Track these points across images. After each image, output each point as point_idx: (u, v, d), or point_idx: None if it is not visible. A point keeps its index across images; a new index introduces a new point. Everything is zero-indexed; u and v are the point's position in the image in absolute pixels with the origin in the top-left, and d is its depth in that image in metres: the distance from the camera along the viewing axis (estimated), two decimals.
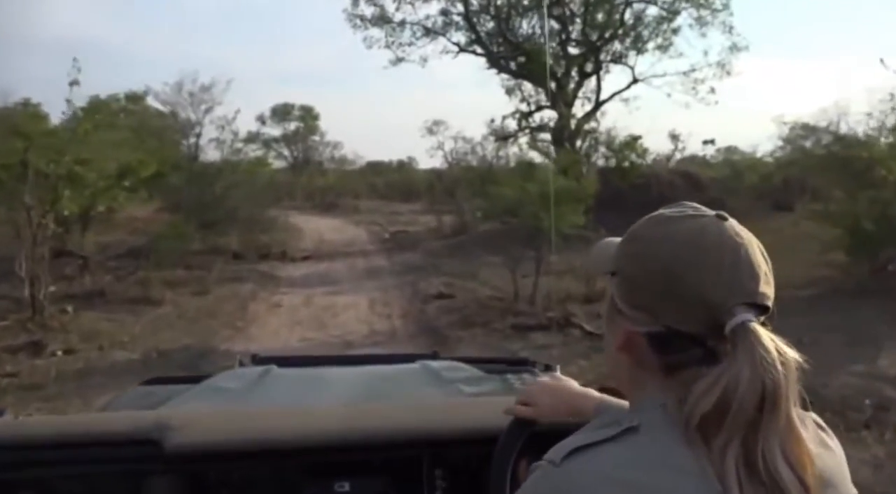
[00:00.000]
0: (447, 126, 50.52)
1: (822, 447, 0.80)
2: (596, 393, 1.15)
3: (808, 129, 14.45)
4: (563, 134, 20.24)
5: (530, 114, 22.27)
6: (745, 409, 0.70)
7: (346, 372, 2.12)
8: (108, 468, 1.27)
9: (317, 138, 55.46)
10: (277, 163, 56.54)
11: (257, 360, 2.37)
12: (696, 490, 0.70)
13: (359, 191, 41.82)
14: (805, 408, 0.80)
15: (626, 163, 18.88)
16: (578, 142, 20.10)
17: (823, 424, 0.85)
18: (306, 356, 3.03)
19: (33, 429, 1.38)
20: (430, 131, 51.89)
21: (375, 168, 52.48)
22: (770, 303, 0.79)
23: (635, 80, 20.54)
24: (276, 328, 9.72)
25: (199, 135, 19.68)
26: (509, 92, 22.35)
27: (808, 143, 14.47)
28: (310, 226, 25.60)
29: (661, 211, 0.86)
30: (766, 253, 0.81)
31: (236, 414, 1.48)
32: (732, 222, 0.81)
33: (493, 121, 23.12)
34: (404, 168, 53.99)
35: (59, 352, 8.14)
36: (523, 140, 22.93)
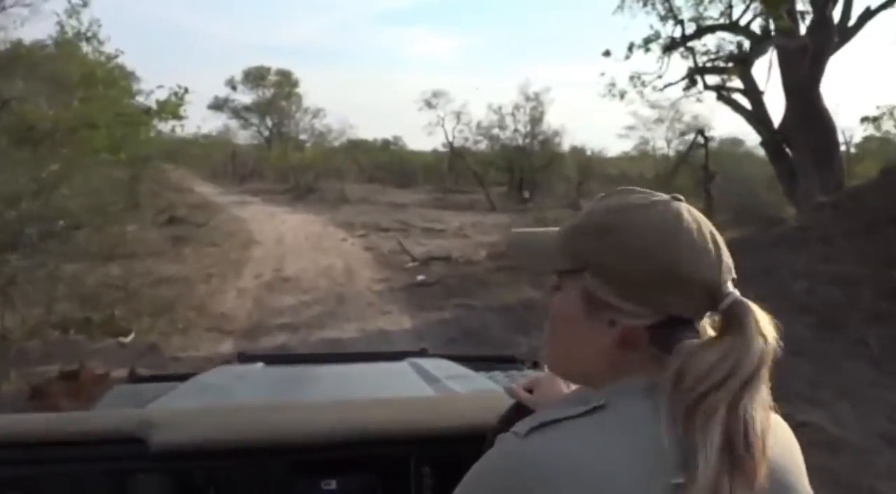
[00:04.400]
0: (449, 98, 39.55)
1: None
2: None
3: None
4: (795, 75, 8.78)
5: (687, 38, 10.79)
6: (737, 380, 0.68)
7: (334, 369, 2.04)
8: (92, 466, 1.16)
9: (294, 107, 43.62)
10: (243, 134, 45.33)
11: (244, 358, 2.17)
12: (652, 465, 0.65)
13: (343, 172, 29.87)
14: None
15: None
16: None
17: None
18: (293, 354, 2.78)
19: (15, 427, 1.23)
20: (429, 104, 40.74)
21: (358, 147, 40.63)
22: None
23: None
24: None
25: None
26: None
27: None
28: (268, 232, 13.91)
29: (616, 198, 0.78)
30: None
31: (222, 412, 1.34)
32: (684, 202, 0.77)
33: (607, 53, 11.47)
34: (390, 148, 43.32)
35: None
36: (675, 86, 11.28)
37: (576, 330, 0.78)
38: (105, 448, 1.18)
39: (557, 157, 25.81)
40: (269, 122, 43.98)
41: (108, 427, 1.22)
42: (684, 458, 0.65)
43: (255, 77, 44.10)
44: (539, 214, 20.72)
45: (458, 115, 36.43)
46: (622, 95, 12.29)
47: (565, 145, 27.36)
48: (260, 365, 2.00)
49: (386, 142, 45.36)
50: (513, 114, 26.81)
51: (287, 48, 71.91)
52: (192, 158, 39.31)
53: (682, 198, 0.77)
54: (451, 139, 39.44)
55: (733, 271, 0.75)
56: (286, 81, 44.24)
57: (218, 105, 44.81)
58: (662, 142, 32.60)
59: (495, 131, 27.28)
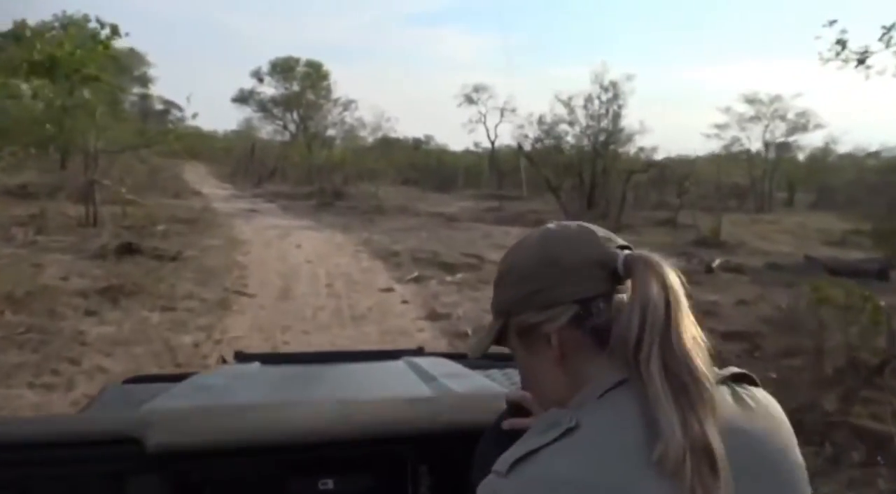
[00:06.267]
0: (491, 93, 34.52)
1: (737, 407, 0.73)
2: None
3: None
4: None
5: None
6: (658, 320, 0.69)
7: (331, 369, 1.94)
8: (89, 468, 1.11)
9: (322, 101, 38.86)
10: (268, 130, 40.71)
11: (241, 358, 2.07)
12: (634, 462, 0.64)
13: (376, 173, 24.77)
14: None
15: None
16: None
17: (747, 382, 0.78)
18: (290, 353, 2.63)
19: (12, 429, 1.19)
20: (470, 99, 35.89)
21: (392, 145, 35.81)
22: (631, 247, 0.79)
23: None
24: None
25: None
26: None
27: None
28: (271, 269, 8.85)
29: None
30: None
31: (219, 412, 1.28)
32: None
33: None
34: (422, 147, 38.75)
35: None
36: None
37: (533, 369, 0.81)
38: (101, 448, 1.12)
39: (653, 162, 20.40)
40: (295, 117, 39.30)
41: (105, 428, 1.16)
42: (652, 423, 0.65)
43: (283, 68, 39.51)
44: (634, 235, 15.52)
45: (501, 111, 31.41)
46: (862, 60, 7.01)
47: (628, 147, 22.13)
48: (256, 364, 1.92)
49: (417, 141, 40.86)
50: (585, 107, 21.55)
51: (315, 46, 67.77)
52: (205, 152, 35.22)
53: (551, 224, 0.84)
54: (493, 137, 34.51)
55: (620, 240, 0.79)
56: (316, 73, 39.52)
57: (243, 97, 40.38)
58: (758, 143, 27.24)
59: (562, 127, 21.99)
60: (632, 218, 17.87)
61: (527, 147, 23.83)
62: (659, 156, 22.72)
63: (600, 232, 0.79)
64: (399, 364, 1.90)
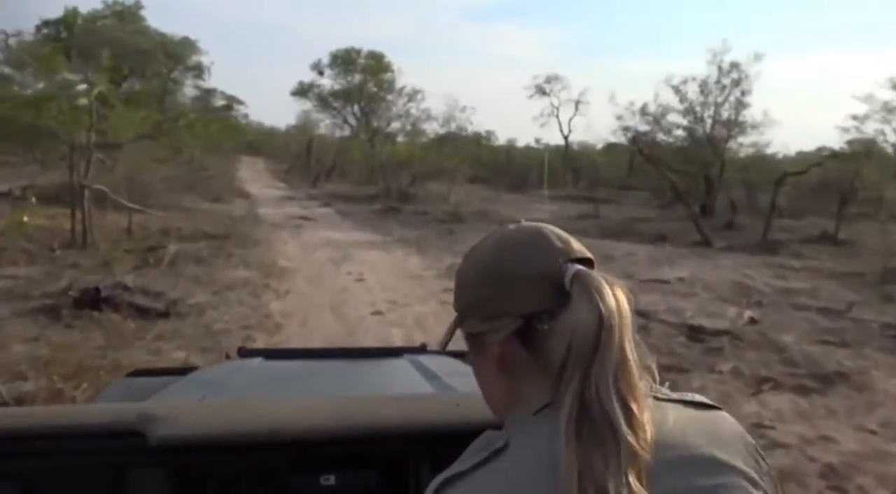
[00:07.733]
0: (564, 84, 30.75)
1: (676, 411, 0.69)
2: None
3: None
4: None
5: None
6: (584, 346, 0.64)
7: (334, 365, 1.94)
8: (92, 460, 1.09)
9: (384, 94, 35.83)
10: (328, 124, 37.89)
11: (244, 353, 2.05)
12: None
13: (445, 171, 21.29)
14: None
15: None
16: None
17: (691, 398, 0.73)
18: (293, 349, 2.49)
19: (14, 420, 1.15)
20: (542, 91, 32.14)
21: (450, 140, 32.39)
22: (590, 256, 0.73)
23: None
24: None
25: None
26: None
27: None
28: (315, 327, 5.44)
29: None
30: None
31: (222, 407, 1.26)
32: (523, 220, 0.79)
33: None
34: (483, 143, 35.54)
35: None
36: None
37: (478, 376, 0.79)
38: (104, 441, 1.10)
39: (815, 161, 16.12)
40: (356, 110, 36.31)
41: (108, 421, 1.13)
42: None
43: (344, 60, 36.62)
44: (796, 258, 11.58)
45: (576, 104, 27.78)
46: None
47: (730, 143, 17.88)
48: (259, 360, 1.89)
49: (478, 136, 37.59)
50: (702, 92, 17.53)
51: (369, 43, 65.12)
52: (266, 147, 32.59)
53: (520, 220, 0.79)
54: (566, 132, 30.74)
55: (577, 252, 0.71)
56: (377, 64, 36.50)
57: (302, 90, 37.71)
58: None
59: (671, 117, 18.02)
60: (772, 230, 13.86)
61: (615, 140, 20.05)
62: (769, 152, 18.52)
63: (556, 239, 0.73)
64: (402, 362, 1.86)
